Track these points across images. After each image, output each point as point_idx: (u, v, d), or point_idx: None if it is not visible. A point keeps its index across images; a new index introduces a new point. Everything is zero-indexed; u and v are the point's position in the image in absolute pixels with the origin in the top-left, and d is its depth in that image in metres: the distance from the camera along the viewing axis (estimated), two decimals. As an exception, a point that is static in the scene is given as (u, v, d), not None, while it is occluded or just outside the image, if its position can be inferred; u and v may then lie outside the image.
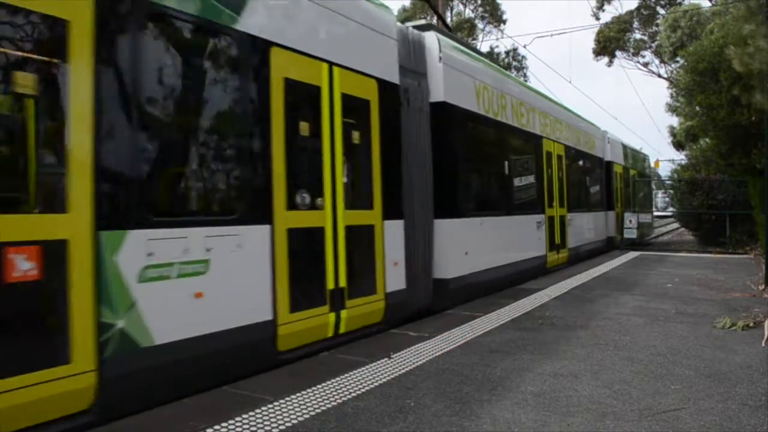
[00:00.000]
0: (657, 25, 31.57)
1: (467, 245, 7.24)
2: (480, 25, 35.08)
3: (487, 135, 8.46)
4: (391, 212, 5.75)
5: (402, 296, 5.88)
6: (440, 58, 6.82)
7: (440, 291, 6.76)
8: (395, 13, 6.82)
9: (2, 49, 2.88)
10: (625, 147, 18.45)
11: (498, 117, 8.54)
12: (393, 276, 5.71)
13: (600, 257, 13.29)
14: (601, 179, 15.33)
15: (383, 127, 5.69)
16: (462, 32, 32.21)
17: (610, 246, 15.42)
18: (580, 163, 13.60)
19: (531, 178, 9.89)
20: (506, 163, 8.79)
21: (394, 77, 5.96)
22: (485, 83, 8.15)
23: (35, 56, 3.03)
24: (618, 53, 33.39)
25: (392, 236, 5.74)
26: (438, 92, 6.84)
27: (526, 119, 9.81)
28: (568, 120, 12.72)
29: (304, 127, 4.72)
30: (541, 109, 10.69)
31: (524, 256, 9.24)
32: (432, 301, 6.64)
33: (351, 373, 4.09)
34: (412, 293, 6.14)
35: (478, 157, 8.34)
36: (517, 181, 9.21)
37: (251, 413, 3.29)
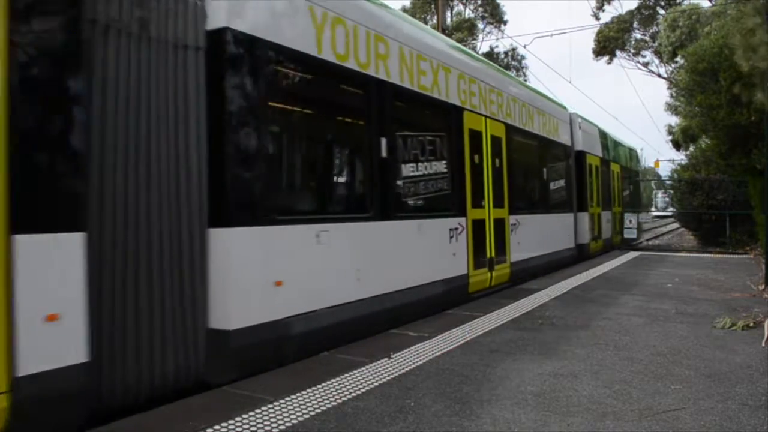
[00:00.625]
0: (657, 25, 31.62)
1: (280, 271, 4.39)
2: (480, 25, 35.13)
3: (339, 95, 5.60)
4: (33, 219, 3.03)
5: (75, 380, 3.13)
6: None
7: (219, 351, 3.97)
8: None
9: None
10: (604, 136, 15.56)
11: (367, 70, 5.57)
12: (40, 343, 3.00)
13: (600, 257, 13.26)
14: (567, 173, 12.20)
15: (23, 65, 3.02)
16: (462, 32, 32.24)
17: (581, 255, 12.62)
18: (534, 150, 10.48)
19: (440, 167, 6.85)
20: (383, 141, 5.72)
21: None
22: (341, 15, 5.25)
23: None
24: (618, 53, 33.45)
25: (40, 266, 3.02)
26: (218, 15, 4.12)
27: (431, 81, 6.70)
28: (514, 92, 9.47)
29: None
30: (463, 70, 7.54)
31: (416, 281, 6.17)
32: (207, 371, 3.93)
33: (351, 373, 4.09)
34: (115, 371, 3.43)
35: (320, 129, 5.46)
36: (407, 170, 6.24)
37: (251, 413, 3.30)
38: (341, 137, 5.79)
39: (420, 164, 6.52)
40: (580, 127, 13.13)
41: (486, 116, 8.16)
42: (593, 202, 13.73)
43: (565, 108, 12.70)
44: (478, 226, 7.72)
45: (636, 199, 20.44)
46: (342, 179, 5.76)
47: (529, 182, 10.44)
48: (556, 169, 11.50)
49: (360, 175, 5.80)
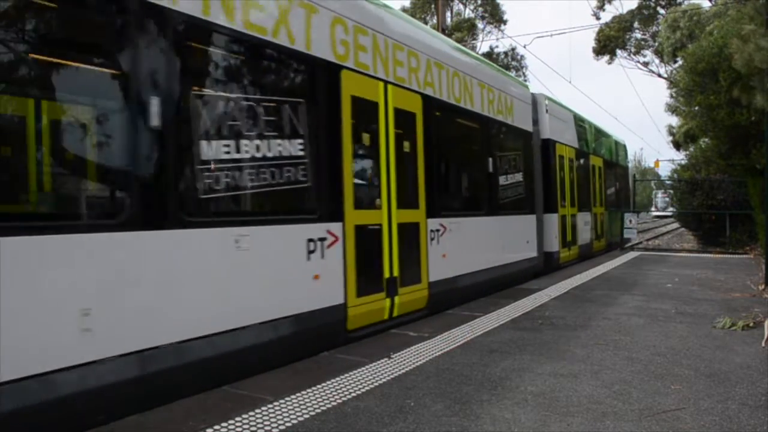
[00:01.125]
0: (657, 25, 31.69)
1: None
2: (480, 25, 35.15)
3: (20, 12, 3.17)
4: None
5: None
6: None
7: None
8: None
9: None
10: (581, 124, 13.21)
11: None
12: None
13: (600, 257, 13.25)
14: (528, 165, 9.84)
15: None
16: (462, 32, 32.26)
17: (548, 266, 10.49)
18: (475, 134, 8.20)
19: (289, 147, 4.63)
20: (154, 102, 3.59)
21: None
22: None
23: None
24: (618, 52, 33.48)
25: None
26: None
27: (274, 19, 4.56)
28: (441, 57, 7.08)
29: None
30: (342, 14, 5.34)
31: (228, 323, 4.00)
32: None
33: (351, 373, 4.09)
34: None
35: None
36: (216, 150, 4.04)
37: (251, 413, 3.30)
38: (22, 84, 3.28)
39: (246, 142, 4.27)
40: (547, 111, 10.87)
41: (387, 82, 5.91)
42: (566, 201, 11.61)
43: (525, 86, 10.43)
44: (368, 235, 5.53)
45: (623, 197, 18.09)
46: (23, 158, 3.35)
47: (466, 175, 8.24)
48: (509, 160, 9.14)
49: (86, 151, 3.55)
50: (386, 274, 5.73)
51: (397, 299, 5.85)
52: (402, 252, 5.97)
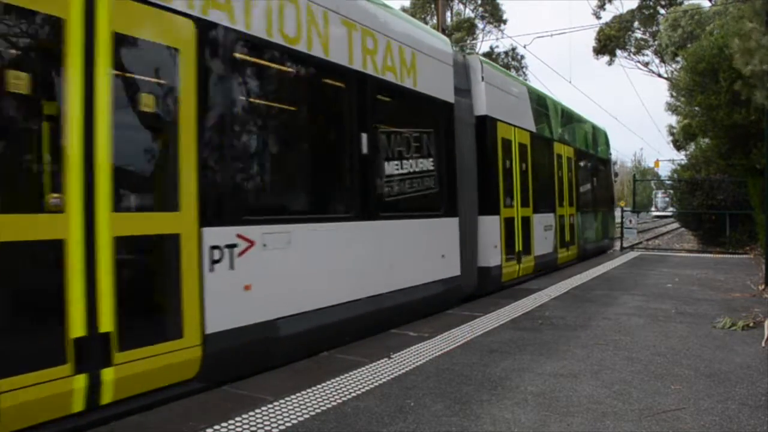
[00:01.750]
0: (657, 25, 31.72)
1: None
2: (480, 25, 35.17)
3: None
4: None
5: None
6: None
7: None
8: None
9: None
10: (541, 102, 10.59)
11: None
12: None
13: (599, 258, 13.22)
14: (446, 149, 7.09)
15: None
16: (461, 32, 32.26)
17: (484, 285, 7.90)
18: (335, 95, 5.63)
19: None
20: None
21: None
22: None
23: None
24: (618, 52, 33.51)
25: None
26: None
27: None
28: None
29: None
30: None
31: None
32: None
33: (351, 373, 4.09)
34: None
35: None
36: None
37: (251, 413, 3.30)
38: None
39: None
40: (484, 79, 8.14)
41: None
42: (513, 199, 8.92)
43: (445, 41, 7.66)
44: (26, 263, 3.02)
45: (603, 196, 14.96)
46: None
47: (313, 159, 5.42)
48: (408, 139, 6.47)
49: None
50: (80, 332, 3.11)
51: (110, 373, 3.24)
52: (129, 288, 3.43)
